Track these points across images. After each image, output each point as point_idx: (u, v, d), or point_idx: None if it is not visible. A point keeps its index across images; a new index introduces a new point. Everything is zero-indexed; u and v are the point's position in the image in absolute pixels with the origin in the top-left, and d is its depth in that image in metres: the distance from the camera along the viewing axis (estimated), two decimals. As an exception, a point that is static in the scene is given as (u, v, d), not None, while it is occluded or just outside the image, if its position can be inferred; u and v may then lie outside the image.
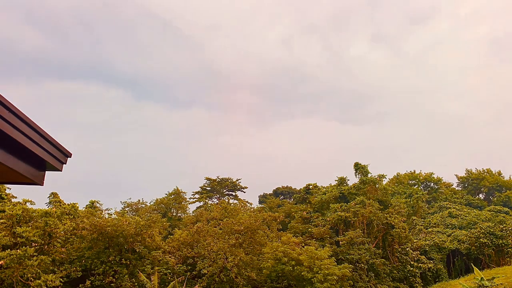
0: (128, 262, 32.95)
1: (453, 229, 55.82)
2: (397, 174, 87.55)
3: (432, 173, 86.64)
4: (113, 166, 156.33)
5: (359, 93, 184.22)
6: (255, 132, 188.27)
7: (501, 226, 49.57)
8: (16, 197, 34.99)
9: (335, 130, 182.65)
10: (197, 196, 73.60)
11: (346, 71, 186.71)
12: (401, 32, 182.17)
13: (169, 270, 34.39)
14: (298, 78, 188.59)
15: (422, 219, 61.61)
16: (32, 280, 26.91)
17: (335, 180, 56.70)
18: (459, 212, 61.45)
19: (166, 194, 68.11)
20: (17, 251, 26.31)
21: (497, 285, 31.71)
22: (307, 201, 58.29)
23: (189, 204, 69.39)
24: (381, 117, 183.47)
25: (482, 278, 31.86)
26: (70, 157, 4.51)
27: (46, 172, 4.41)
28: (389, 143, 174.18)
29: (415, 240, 49.41)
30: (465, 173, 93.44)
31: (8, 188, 34.61)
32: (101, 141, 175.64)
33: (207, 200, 72.70)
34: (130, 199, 64.59)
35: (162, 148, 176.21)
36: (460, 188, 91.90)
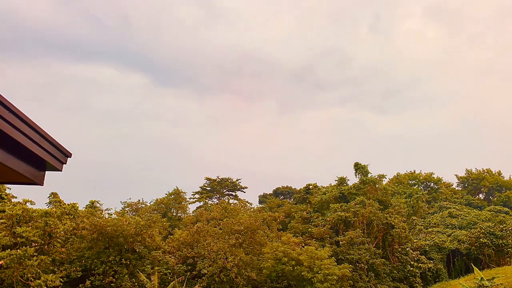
0: (128, 262, 32.96)
1: (453, 229, 55.81)
2: (397, 174, 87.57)
3: (432, 173, 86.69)
4: (125, 158, 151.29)
5: (400, 78, 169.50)
6: (280, 123, 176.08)
7: (501, 226, 49.54)
8: (16, 197, 35.03)
9: (366, 120, 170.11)
10: (197, 196, 73.62)
11: (393, 52, 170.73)
12: (460, 4, 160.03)
13: (169, 270, 34.39)
14: (340, 60, 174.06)
15: (422, 219, 61.60)
16: (32, 280, 26.91)
17: (335, 180, 56.76)
18: (459, 212, 61.43)
19: (166, 194, 68.21)
20: (17, 251, 26.32)
21: (497, 285, 31.70)
22: (307, 201, 58.29)
23: (189, 204, 69.45)
24: (417, 106, 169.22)
25: (482, 278, 31.85)
26: (70, 157, 4.51)
27: (46, 172, 4.42)
28: (411, 138, 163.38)
29: (415, 240, 49.40)
30: (465, 173, 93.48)
31: (8, 188, 34.61)
32: (114, 131, 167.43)
33: (207, 200, 72.69)
34: (130, 199, 64.61)
35: (170, 141, 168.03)
36: (460, 188, 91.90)
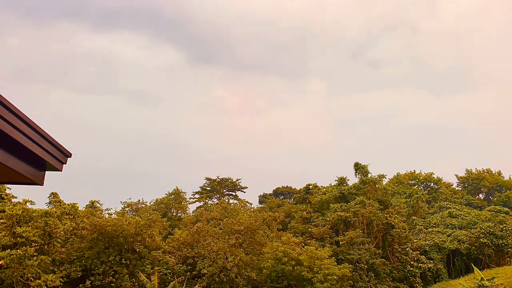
0: (128, 262, 32.96)
1: (453, 229, 55.79)
2: (397, 174, 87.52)
3: (432, 173, 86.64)
4: (126, 157, 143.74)
5: (475, 53, 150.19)
6: (320, 108, 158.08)
7: (501, 226, 49.55)
8: (16, 197, 35.06)
9: (422, 103, 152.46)
10: (197, 196, 73.61)
11: (476, 18, 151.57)
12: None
13: (169, 270, 34.40)
14: (405, 34, 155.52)
15: (422, 219, 61.57)
16: (32, 280, 26.92)
17: (335, 180, 56.76)
18: (459, 212, 61.40)
19: (166, 194, 68.24)
20: (17, 251, 26.33)
21: (497, 285, 31.70)
22: (307, 201, 58.27)
23: (189, 204, 69.48)
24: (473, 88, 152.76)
25: (482, 278, 31.85)
26: (70, 157, 4.51)
27: (46, 172, 4.41)
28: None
29: (415, 240, 49.40)
30: (465, 173, 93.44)
31: (8, 188, 34.62)
32: (133, 119, 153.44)
33: (207, 200, 72.69)
34: (130, 199, 64.58)
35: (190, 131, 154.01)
36: (460, 188, 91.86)
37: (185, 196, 68.46)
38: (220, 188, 77.09)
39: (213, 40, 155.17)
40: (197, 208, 68.76)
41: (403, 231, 46.14)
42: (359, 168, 53.64)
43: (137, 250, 33.32)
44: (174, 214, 65.87)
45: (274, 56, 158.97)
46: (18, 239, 28.47)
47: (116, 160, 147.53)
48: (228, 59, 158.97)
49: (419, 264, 45.35)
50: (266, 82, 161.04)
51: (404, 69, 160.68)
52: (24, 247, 27.08)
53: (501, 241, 47.74)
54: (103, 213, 41.86)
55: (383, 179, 54.41)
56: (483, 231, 48.72)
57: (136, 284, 31.41)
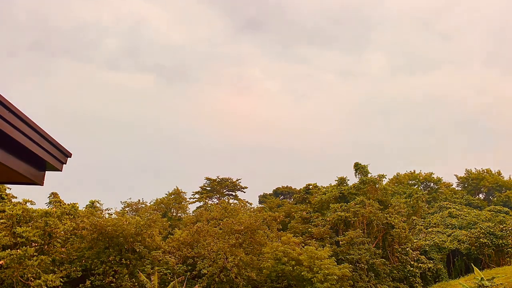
0: (128, 262, 32.96)
1: (453, 229, 55.78)
2: (397, 174, 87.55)
3: (432, 173, 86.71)
4: (126, 157, 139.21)
5: None
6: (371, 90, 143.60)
7: (501, 226, 49.55)
8: (16, 197, 35.06)
9: (477, 85, 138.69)
10: (197, 196, 73.57)
11: None
12: None
13: (169, 270, 34.39)
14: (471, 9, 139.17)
15: (422, 219, 61.57)
16: (32, 280, 26.93)
17: (335, 180, 56.77)
18: (459, 212, 61.41)
19: (166, 194, 68.25)
20: (17, 251, 26.34)
21: (497, 285, 31.69)
22: (307, 201, 58.29)
23: (189, 204, 69.50)
24: None
25: (482, 278, 31.84)
26: (70, 157, 4.51)
27: (46, 172, 4.41)
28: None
29: (415, 240, 49.40)
30: (465, 173, 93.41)
31: (8, 188, 34.62)
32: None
33: (207, 200, 72.68)
34: (130, 199, 64.63)
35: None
36: (460, 188, 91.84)
37: (185, 196, 68.51)
38: (220, 188, 77.08)
39: (262, 7, 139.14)
40: (197, 208, 68.76)
41: (403, 231, 46.14)
42: (359, 168, 53.67)
43: (137, 250, 33.33)
44: (174, 214, 65.88)
45: (331, 28, 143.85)
46: (18, 239, 28.48)
47: (117, 159, 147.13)
48: (278, 29, 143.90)
49: (419, 264, 45.35)
50: (318, 58, 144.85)
51: (478, 42, 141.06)
52: (24, 247, 27.09)
53: (501, 241, 47.74)
54: (103, 213, 41.87)
55: (383, 179, 54.45)
56: (483, 231, 48.72)
57: (136, 284, 31.41)
